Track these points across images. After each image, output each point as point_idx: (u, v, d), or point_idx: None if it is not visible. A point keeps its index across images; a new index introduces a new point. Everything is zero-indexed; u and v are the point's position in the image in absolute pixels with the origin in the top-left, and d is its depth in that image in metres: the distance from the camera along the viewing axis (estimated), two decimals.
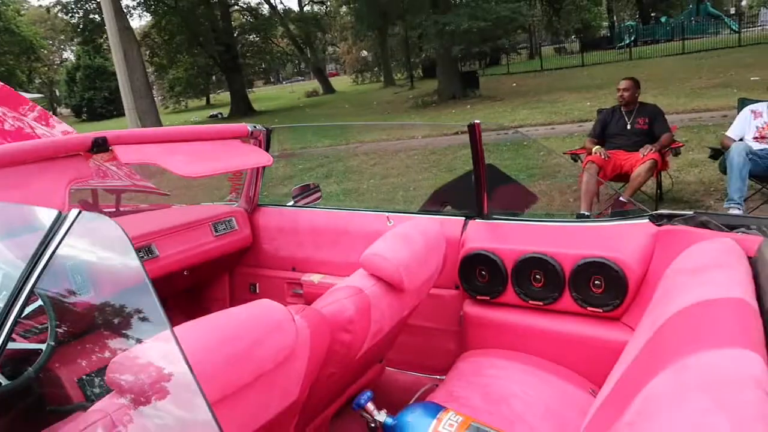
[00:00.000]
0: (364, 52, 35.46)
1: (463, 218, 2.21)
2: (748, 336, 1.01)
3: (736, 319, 1.08)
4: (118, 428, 0.94)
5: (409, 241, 1.74)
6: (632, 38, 26.57)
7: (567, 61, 24.76)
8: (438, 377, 2.22)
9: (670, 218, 1.85)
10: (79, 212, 0.81)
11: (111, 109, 32.92)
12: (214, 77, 29.52)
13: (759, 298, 1.25)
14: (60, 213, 0.81)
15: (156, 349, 0.92)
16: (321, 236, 2.53)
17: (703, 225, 1.74)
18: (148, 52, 24.95)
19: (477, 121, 2.04)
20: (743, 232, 1.63)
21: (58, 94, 44.32)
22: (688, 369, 0.96)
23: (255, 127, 2.32)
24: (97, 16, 22.47)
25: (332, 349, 1.51)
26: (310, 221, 2.58)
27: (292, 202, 2.75)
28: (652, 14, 31.36)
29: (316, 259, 2.54)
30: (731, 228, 1.67)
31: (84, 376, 1.73)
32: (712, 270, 1.38)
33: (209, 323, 1.15)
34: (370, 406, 1.51)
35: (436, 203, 3.61)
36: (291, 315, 1.32)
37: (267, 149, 2.44)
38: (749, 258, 1.48)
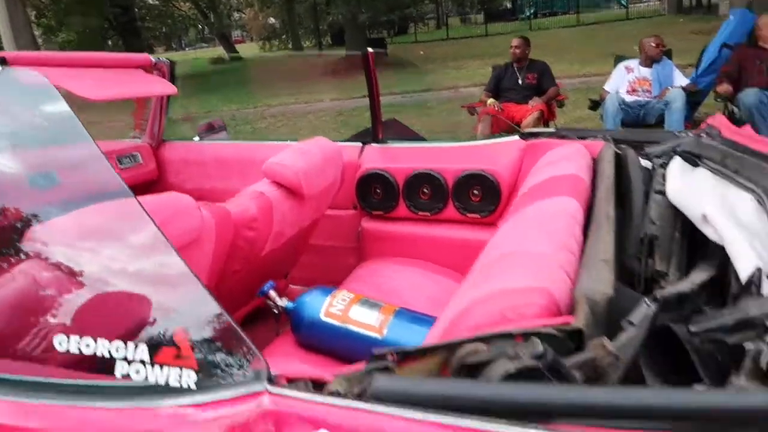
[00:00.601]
0: (272, 19, 34.55)
1: (360, 144, 2.40)
2: (572, 191, 1.27)
3: (567, 183, 1.35)
4: (36, 279, 1.04)
5: (307, 153, 1.91)
6: (532, 11, 27.66)
7: (472, 30, 25.41)
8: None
9: (537, 135, 2.13)
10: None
11: None
12: (109, 41, 27.73)
13: (593, 183, 1.53)
14: None
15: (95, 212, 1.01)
16: (228, 167, 2.63)
17: (562, 137, 2.03)
18: (34, 13, 23.03)
19: (370, 50, 2.22)
20: (592, 139, 1.93)
21: None
22: (526, 213, 1.21)
23: (158, 59, 2.38)
24: None
25: (236, 244, 1.66)
26: (216, 153, 2.67)
27: (197, 138, 2.83)
28: None
29: (223, 190, 2.64)
30: (583, 138, 1.97)
31: None
32: (560, 162, 1.65)
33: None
34: (273, 293, 1.68)
35: None
36: (196, 204, 1.45)
37: (171, 81, 2.50)
38: (593, 159, 1.78)
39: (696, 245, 1.25)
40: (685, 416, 0.55)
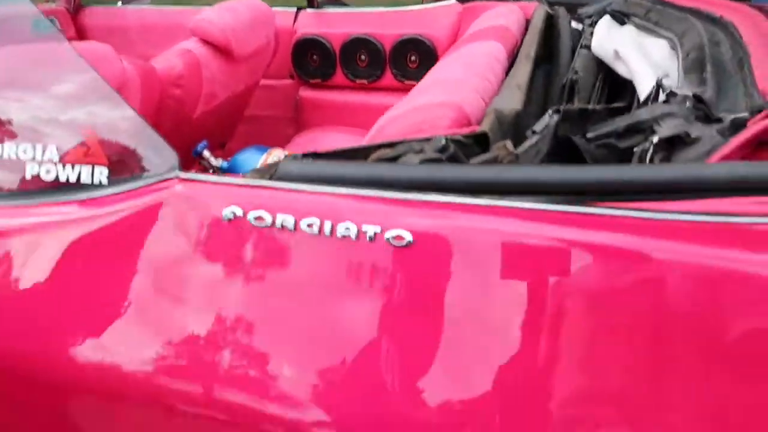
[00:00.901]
0: None
1: (294, 8, 2.31)
2: (498, 37, 1.29)
3: (494, 31, 1.36)
4: None
5: (234, 10, 1.83)
6: None
7: None
8: None
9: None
10: None
11: None
12: None
13: (523, 39, 1.54)
14: None
15: None
16: (154, 33, 2.49)
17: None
18: None
19: None
20: (527, 1, 1.92)
21: None
22: (457, 53, 1.22)
23: None
24: None
25: (164, 102, 1.61)
26: (142, 19, 2.51)
27: (120, 4, 2.65)
28: None
29: (149, 57, 2.52)
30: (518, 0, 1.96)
31: None
32: (493, 18, 1.65)
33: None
34: (207, 153, 1.67)
35: None
36: (117, 55, 1.39)
37: None
38: (527, 20, 1.78)
39: (616, 94, 1.31)
40: (570, 189, 0.60)
